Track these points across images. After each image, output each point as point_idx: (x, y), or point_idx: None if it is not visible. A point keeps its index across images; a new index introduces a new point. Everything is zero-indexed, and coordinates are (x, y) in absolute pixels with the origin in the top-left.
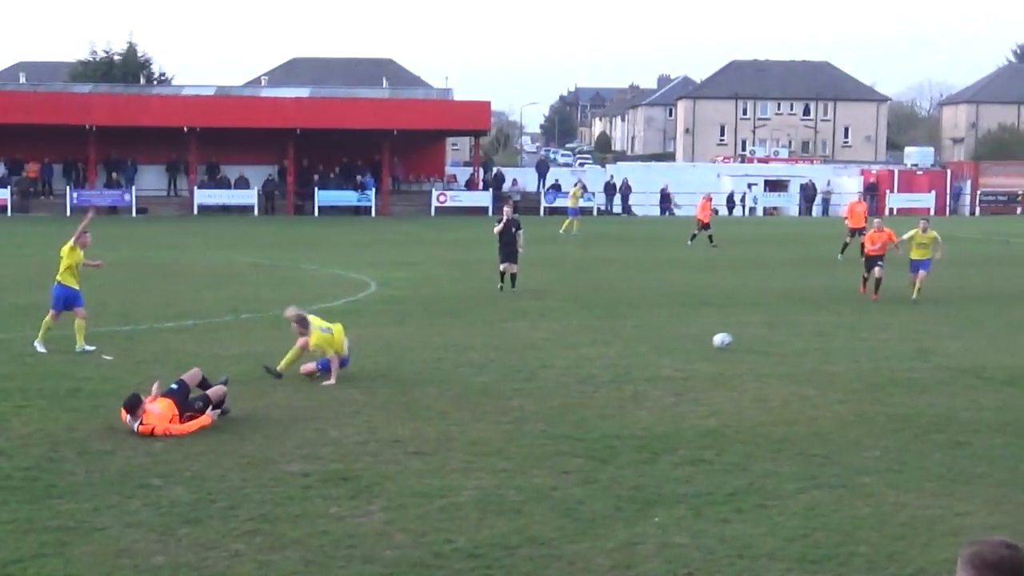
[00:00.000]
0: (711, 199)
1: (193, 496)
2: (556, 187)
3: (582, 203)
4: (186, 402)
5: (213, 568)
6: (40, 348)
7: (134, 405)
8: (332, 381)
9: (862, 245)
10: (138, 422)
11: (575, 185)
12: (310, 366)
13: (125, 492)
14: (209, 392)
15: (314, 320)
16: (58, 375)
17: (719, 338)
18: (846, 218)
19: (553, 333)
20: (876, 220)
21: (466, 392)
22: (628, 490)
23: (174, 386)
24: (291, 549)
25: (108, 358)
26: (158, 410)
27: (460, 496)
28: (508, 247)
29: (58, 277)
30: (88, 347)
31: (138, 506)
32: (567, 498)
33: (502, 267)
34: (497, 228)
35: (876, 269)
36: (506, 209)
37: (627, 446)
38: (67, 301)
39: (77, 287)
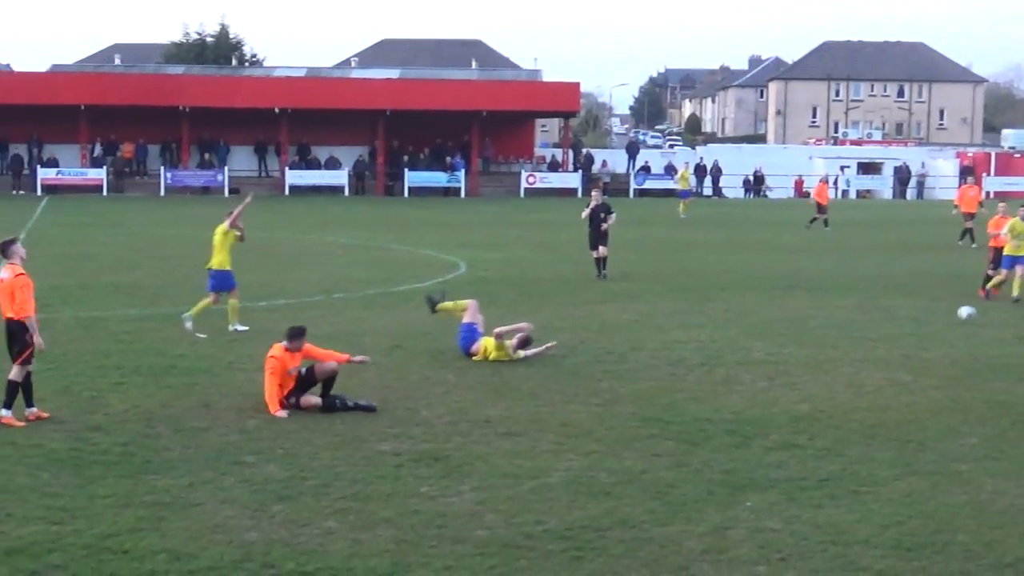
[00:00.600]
0: (827, 181)
1: (286, 473)
2: (646, 169)
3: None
4: (300, 389)
5: (306, 545)
6: (240, 328)
7: (297, 335)
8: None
9: (964, 230)
10: (289, 350)
11: (683, 167)
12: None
13: (219, 469)
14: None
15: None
16: (153, 353)
17: (964, 311)
18: (957, 203)
19: (643, 315)
20: (1001, 205)
21: (556, 374)
22: (720, 474)
23: (303, 370)
24: (383, 527)
25: (202, 336)
26: (295, 363)
27: (550, 478)
28: (597, 232)
29: (216, 264)
30: (239, 327)
31: (232, 483)
32: (658, 481)
33: (595, 254)
34: (585, 213)
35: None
36: (595, 193)
37: (718, 430)
38: (226, 283)
39: (231, 269)
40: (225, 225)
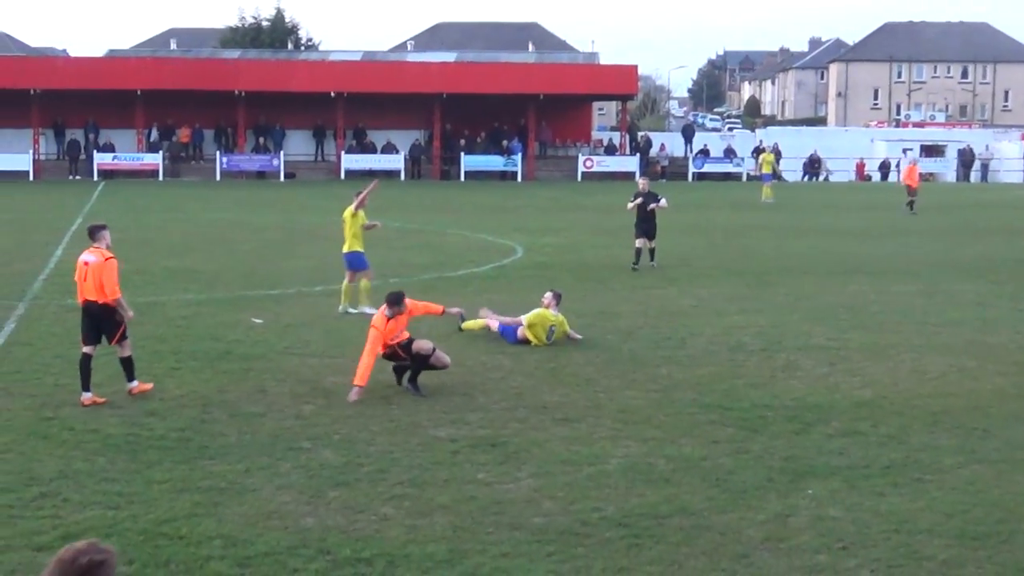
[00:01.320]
0: (917, 164)
1: (342, 459)
2: (705, 152)
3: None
4: (395, 352)
5: (362, 531)
6: (352, 310)
7: (396, 300)
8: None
9: None
10: (388, 314)
11: (766, 151)
12: (493, 323)
13: (275, 454)
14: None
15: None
16: (209, 338)
17: None
18: None
19: (702, 300)
20: None
21: (614, 359)
22: (780, 461)
23: (404, 343)
24: (439, 514)
25: (258, 321)
26: (398, 329)
27: (608, 464)
28: (644, 222)
29: (347, 247)
30: (368, 309)
31: (288, 468)
32: (717, 468)
33: (638, 243)
34: (631, 205)
35: None
36: (642, 181)
37: (779, 416)
38: (358, 264)
39: (362, 250)
40: (352, 208)
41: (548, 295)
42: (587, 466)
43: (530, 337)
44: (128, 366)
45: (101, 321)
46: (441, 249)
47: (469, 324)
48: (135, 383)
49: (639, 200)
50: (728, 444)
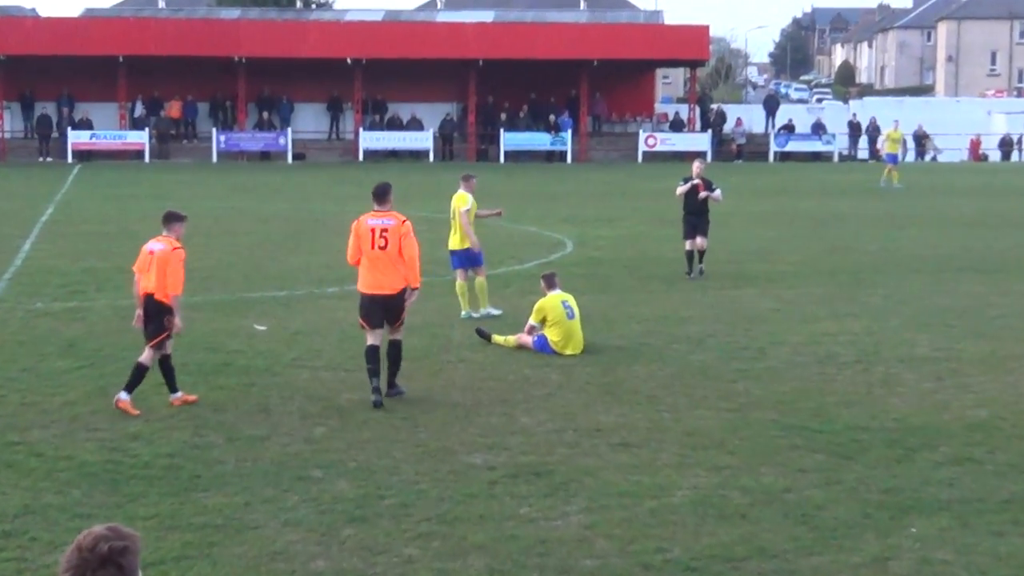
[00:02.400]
0: None
1: (359, 491)
2: (789, 128)
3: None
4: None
5: None
6: (494, 311)
7: (382, 191)
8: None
9: None
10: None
11: (893, 126)
12: (526, 340)
13: (281, 485)
14: None
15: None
16: (204, 348)
17: None
18: None
19: (785, 303)
20: None
21: (681, 373)
22: (878, 494)
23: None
24: (473, 556)
25: (261, 328)
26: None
27: (674, 497)
28: (694, 216)
29: (457, 244)
30: (494, 310)
31: (296, 502)
32: (803, 502)
33: (687, 244)
34: (681, 189)
35: None
36: (697, 165)
37: (877, 440)
38: (474, 260)
39: (478, 248)
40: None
41: (542, 283)
42: (649, 499)
43: (555, 339)
44: (136, 375)
45: (151, 318)
46: None
47: (499, 339)
48: (127, 397)
49: (689, 185)
50: (816, 474)
